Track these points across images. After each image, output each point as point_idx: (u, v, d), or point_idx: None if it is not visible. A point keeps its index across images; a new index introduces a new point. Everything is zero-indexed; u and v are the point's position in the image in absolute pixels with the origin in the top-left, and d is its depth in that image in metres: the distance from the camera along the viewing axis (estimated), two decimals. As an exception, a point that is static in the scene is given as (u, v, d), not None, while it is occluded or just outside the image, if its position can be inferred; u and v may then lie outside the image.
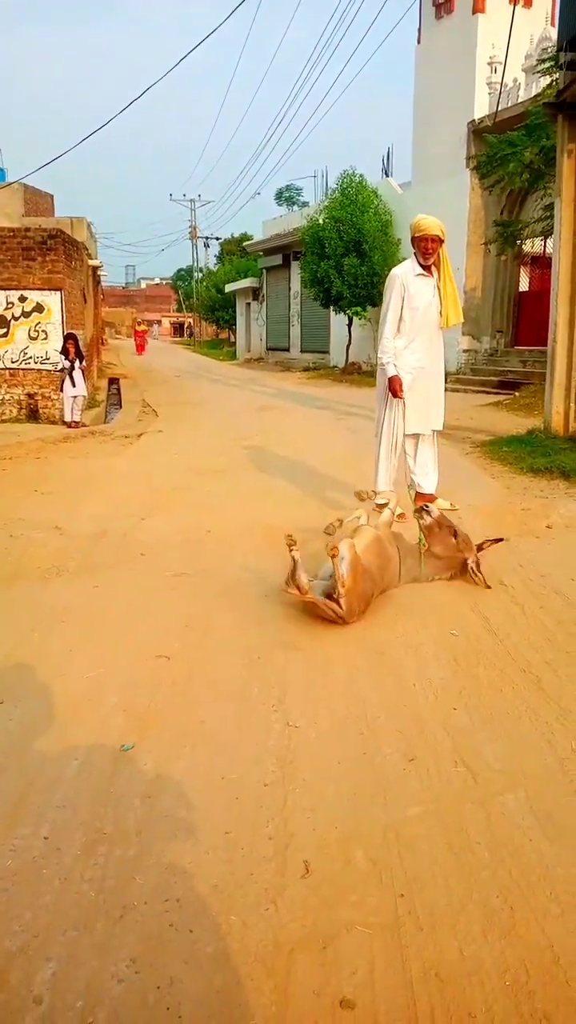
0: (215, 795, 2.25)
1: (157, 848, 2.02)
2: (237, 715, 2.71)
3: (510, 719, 2.66)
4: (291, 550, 3.42)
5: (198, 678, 2.99)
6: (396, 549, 3.87)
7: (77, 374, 11.24)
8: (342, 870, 1.94)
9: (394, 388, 5.12)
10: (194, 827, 2.11)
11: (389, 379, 5.15)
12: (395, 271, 5.19)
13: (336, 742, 2.53)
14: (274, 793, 2.25)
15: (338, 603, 3.34)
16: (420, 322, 5.11)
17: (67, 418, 11.27)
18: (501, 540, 4.19)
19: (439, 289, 5.14)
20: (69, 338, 11.33)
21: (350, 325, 19.80)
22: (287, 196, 49.15)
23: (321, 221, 19.04)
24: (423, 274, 5.11)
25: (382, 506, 5.29)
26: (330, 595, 3.39)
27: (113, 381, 19.80)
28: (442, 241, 5.05)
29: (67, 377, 11.20)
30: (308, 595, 3.36)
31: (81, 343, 11.87)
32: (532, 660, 3.10)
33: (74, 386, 11.24)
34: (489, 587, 3.90)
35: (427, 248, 5.03)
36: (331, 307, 20.01)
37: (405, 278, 5.09)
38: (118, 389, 17.98)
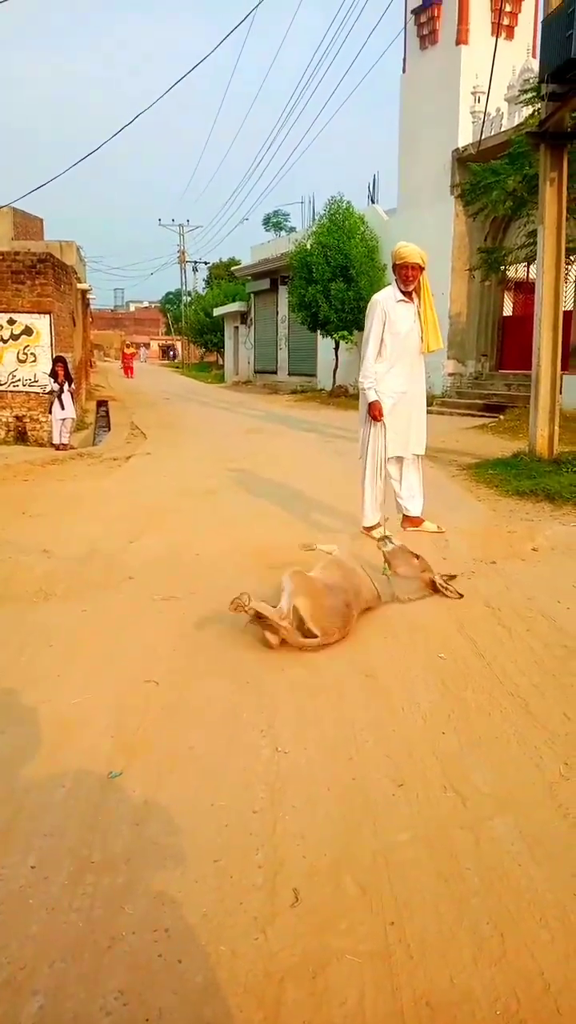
0: (204, 822, 2.23)
1: (146, 876, 2.01)
2: (226, 741, 2.70)
3: (499, 743, 2.67)
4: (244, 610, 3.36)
5: (187, 703, 2.98)
6: (362, 569, 3.90)
7: (66, 396, 11.27)
8: (332, 897, 1.93)
9: (374, 413, 5.18)
10: (183, 855, 2.09)
11: (369, 404, 5.20)
12: (376, 297, 5.26)
13: (325, 767, 2.52)
14: (263, 820, 2.24)
15: (309, 632, 3.36)
16: (401, 347, 5.18)
17: (55, 440, 11.28)
18: (455, 576, 4.30)
19: (420, 315, 5.21)
20: (58, 361, 11.37)
21: (337, 349, 19.97)
22: (275, 222, 49.70)
23: (308, 246, 19.26)
24: (404, 300, 5.18)
25: (370, 528, 5.32)
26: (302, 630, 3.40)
27: (102, 403, 19.84)
28: (422, 268, 5.13)
29: (56, 399, 11.23)
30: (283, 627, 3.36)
31: (70, 366, 11.90)
32: (520, 683, 3.11)
33: (63, 408, 11.27)
34: (461, 595, 4.07)
35: (407, 276, 5.11)
36: (318, 331, 20.19)
37: (386, 304, 5.16)
38: (107, 411, 18.00)
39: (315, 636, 3.37)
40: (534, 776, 2.46)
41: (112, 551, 5.14)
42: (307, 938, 1.80)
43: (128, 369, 38.13)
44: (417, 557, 4.17)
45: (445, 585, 4.11)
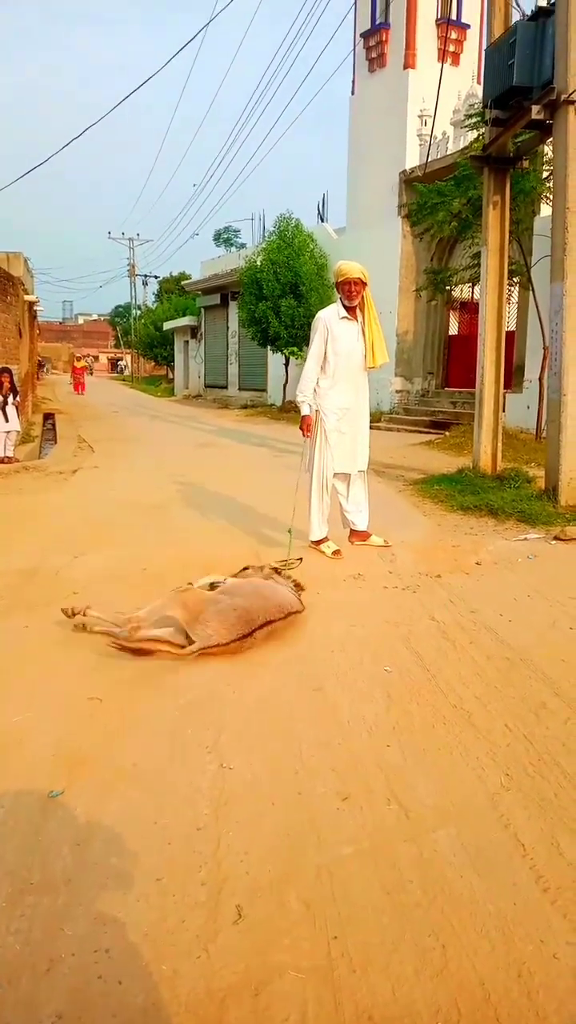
0: (147, 840, 2.20)
1: (87, 897, 1.97)
2: (171, 757, 2.67)
3: (442, 755, 2.70)
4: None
5: (131, 720, 2.95)
6: (275, 583, 3.97)
7: (10, 409, 11.07)
8: (275, 913, 1.92)
9: (302, 427, 5.25)
10: (125, 874, 2.06)
11: (302, 418, 5.27)
12: (320, 314, 5.33)
13: (271, 782, 2.51)
14: (207, 836, 2.23)
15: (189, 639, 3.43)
16: (344, 365, 5.25)
17: (0, 454, 11.07)
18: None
19: (363, 332, 5.28)
20: (3, 372, 11.17)
21: (287, 364, 20.08)
22: (225, 237, 49.81)
23: (259, 263, 19.35)
24: (348, 318, 5.25)
25: (318, 543, 5.36)
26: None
27: (48, 416, 19.56)
28: (365, 284, 5.21)
29: (0, 412, 11.03)
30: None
31: (16, 378, 11.72)
32: (463, 696, 3.15)
33: (7, 421, 11.06)
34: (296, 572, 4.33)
35: (350, 291, 5.18)
36: (268, 347, 20.27)
37: (330, 321, 5.23)
38: (53, 424, 17.75)
39: (193, 641, 3.41)
40: (476, 787, 2.49)
41: (57, 566, 5.06)
42: (250, 955, 1.78)
43: (79, 385, 33.62)
44: (277, 571, 4.23)
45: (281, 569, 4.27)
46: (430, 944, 1.83)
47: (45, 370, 58.65)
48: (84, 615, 3.53)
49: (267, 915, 1.91)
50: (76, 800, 2.40)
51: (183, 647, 3.42)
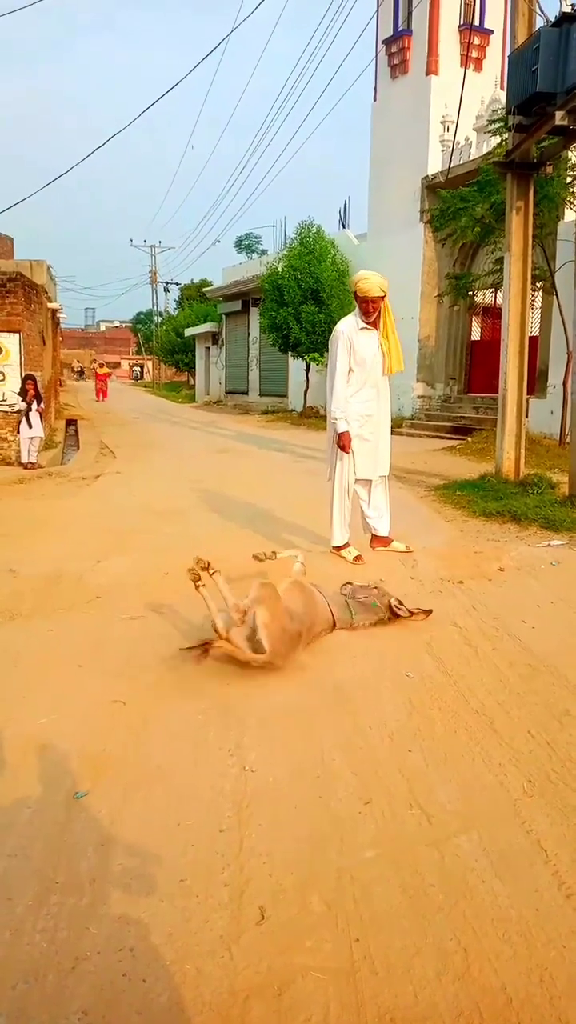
0: (170, 842, 2.23)
1: (111, 897, 2.00)
2: (193, 760, 2.70)
3: (464, 761, 2.70)
4: (197, 586, 3.45)
5: (154, 723, 2.97)
6: (318, 593, 3.88)
7: (34, 415, 11.20)
8: (297, 915, 1.93)
9: (343, 444, 5.24)
10: (149, 875, 2.08)
11: (339, 435, 5.26)
12: (339, 327, 5.32)
13: (293, 786, 2.53)
14: (230, 839, 2.24)
15: (259, 644, 3.29)
16: (366, 373, 5.27)
17: (24, 459, 11.21)
18: (430, 611, 4.12)
19: (382, 342, 5.28)
20: (28, 379, 11.32)
21: (308, 370, 20.12)
22: (246, 244, 50.08)
23: (280, 269, 19.42)
24: (367, 328, 5.25)
25: (339, 548, 5.37)
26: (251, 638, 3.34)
27: (71, 422, 19.75)
28: (383, 297, 5.20)
29: (24, 418, 11.16)
30: (225, 639, 3.30)
31: (39, 385, 11.85)
32: (485, 702, 3.15)
33: (31, 427, 11.19)
34: (430, 610, 4.06)
35: (368, 308, 5.19)
36: (289, 352, 20.32)
37: (350, 333, 5.23)
38: (76, 430, 17.92)
39: (263, 651, 3.28)
40: (498, 793, 2.49)
41: (79, 570, 5.11)
42: (273, 956, 1.80)
43: (101, 392, 33.36)
44: (375, 587, 4.14)
45: (401, 607, 4.04)
46: (452, 948, 1.83)
47: (84, 376, 60.26)
48: (211, 573, 3.45)
49: (290, 917, 1.93)
50: (100, 802, 2.43)
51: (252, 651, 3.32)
